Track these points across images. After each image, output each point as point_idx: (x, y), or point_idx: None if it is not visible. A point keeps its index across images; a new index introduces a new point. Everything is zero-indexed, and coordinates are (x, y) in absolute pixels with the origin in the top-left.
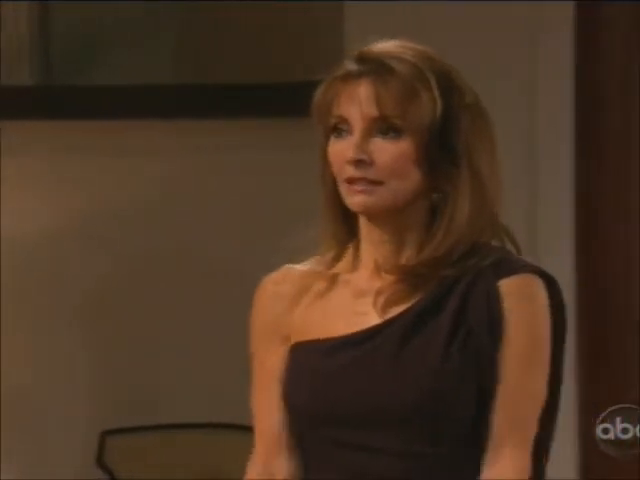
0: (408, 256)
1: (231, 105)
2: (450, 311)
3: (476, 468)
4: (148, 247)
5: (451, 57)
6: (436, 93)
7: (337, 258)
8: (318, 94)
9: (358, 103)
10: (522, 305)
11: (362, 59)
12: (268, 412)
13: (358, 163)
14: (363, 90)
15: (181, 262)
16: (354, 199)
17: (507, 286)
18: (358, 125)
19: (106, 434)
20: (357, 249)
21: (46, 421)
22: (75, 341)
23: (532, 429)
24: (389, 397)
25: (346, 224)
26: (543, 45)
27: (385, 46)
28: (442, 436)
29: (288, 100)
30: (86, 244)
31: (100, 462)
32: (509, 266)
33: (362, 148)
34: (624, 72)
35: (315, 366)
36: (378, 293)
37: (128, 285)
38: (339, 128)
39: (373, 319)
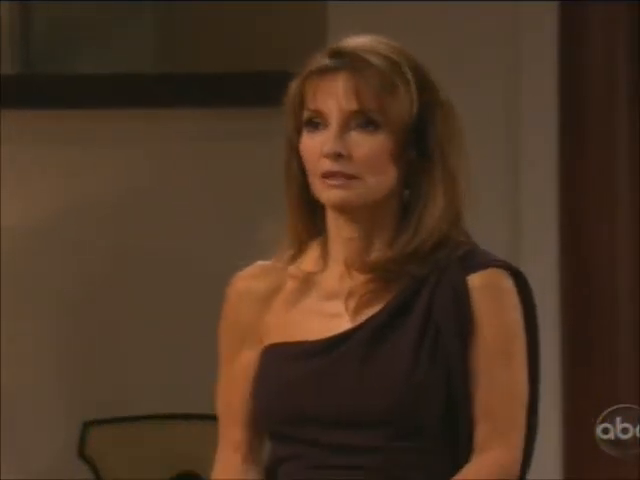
0: (378, 253)
1: (212, 94)
2: (418, 312)
3: (447, 465)
4: (124, 239)
5: (435, 56)
6: (413, 88)
7: (299, 254)
8: (292, 88)
9: (336, 97)
10: (492, 301)
11: (337, 54)
12: (237, 402)
13: (336, 157)
14: (341, 84)
15: (162, 252)
16: (330, 193)
17: (475, 282)
18: (335, 119)
19: (88, 425)
20: (324, 246)
21: (26, 413)
22: (55, 333)
23: (518, 426)
24: (357, 403)
25: (311, 220)
26: (527, 45)
27: (360, 41)
28: (414, 435)
29: (269, 89)
30: (64, 236)
31: (82, 453)
32: (476, 261)
33: (340, 141)
34: (609, 73)
35: (284, 370)
36: (349, 295)
37: (106, 278)
38: (313, 122)
39: (345, 322)
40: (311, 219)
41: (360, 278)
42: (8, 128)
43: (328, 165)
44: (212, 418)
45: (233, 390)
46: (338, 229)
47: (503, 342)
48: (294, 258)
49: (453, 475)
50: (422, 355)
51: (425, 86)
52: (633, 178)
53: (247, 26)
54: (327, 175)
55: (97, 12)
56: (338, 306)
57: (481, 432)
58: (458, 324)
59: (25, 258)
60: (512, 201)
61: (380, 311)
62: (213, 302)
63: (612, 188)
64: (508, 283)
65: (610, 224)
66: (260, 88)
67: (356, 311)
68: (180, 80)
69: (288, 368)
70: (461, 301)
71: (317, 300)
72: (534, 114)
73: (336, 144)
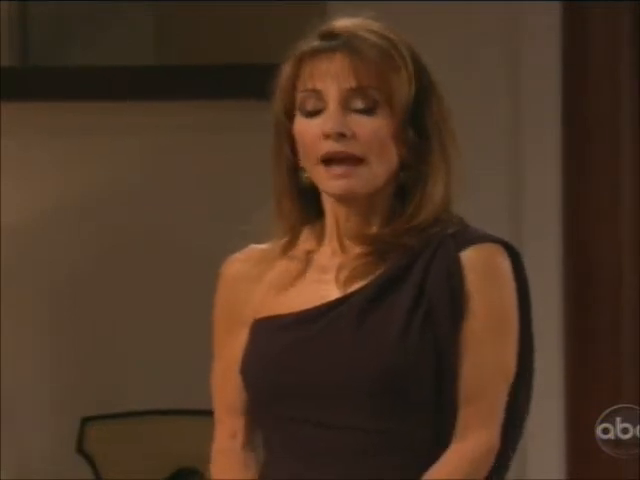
0: (374, 228)
1: (211, 86)
2: (410, 285)
3: (437, 443)
4: (122, 232)
5: (435, 56)
6: (411, 67)
7: (295, 238)
8: (283, 71)
9: (335, 76)
10: (485, 276)
11: (329, 35)
12: (232, 391)
13: (338, 137)
14: (338, 63)
15: (159, 245)
16: (333, 184)
17: (468, 257)
18: (334, 98)
19: (86, 420)
20: (320, 228)
21: (25, 408)
22: (54, 328)
23: (501, 403)
24: (346, 371)
25: (303, 203)
26: (529, 45)
27: (351, 22)
28: (400, 411)
29: (267, 82)
30: (63, 229)
31: (80, 449)
32: (470, 236)
33: (342, 121)
34: (611, 72)
35: (272, 341)
36: (340, 268)
37: (104, 273)
38: (309, 105)
39: (334, 294)
40: (303, 204)
41: (352, 254)
42: (7, 120)
43: (330, 145)
44: (212, 414)
45: (228, 377)
46: (334, 209)
47: (495, 320)
48: (290, 244)
49: (436, 458)
50: (414, 325)
51: (420, 66)
52: (636, 176)
53: (247, 23)
54: (329, 158)
55: (95, 4)
56: (328, 280)
57: (464, 414)
58: (451, 300)
59: (24, 252)
60: (514, 200)
61: (372, 282)
62: (213, 297)
63: (615, 186)
64: (502, 259)
65: (613, 222)
66: (258, 80)
67: (346, 283)
68: (179, 72)
69: (275, 339)
70: (454, 276)
71: (307, 276)
72: (536, 113)
73: (338, 123)
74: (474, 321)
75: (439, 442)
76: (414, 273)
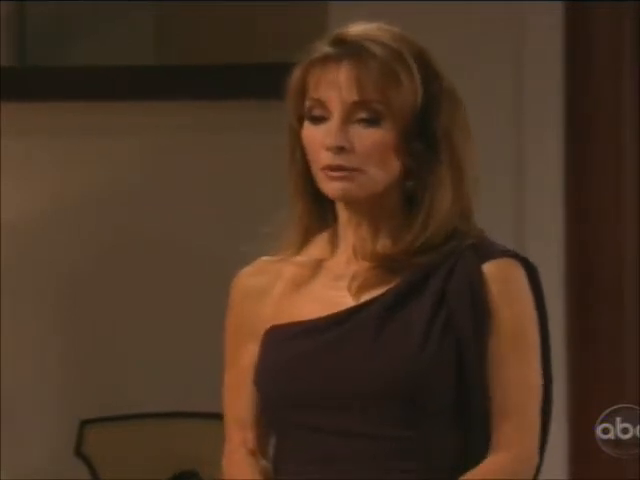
0: (385, 242)
1: (212, 86)
2: (429, 295)
3: (453, 451)
4: (122, 232)
5: (437, 57)
6: (417, 78)
7: (305, 243)
8: (294, 76)
9: (338, 87)
10: (507, 292)
11: (340, 42)
12: (242, 405)
13: (338, 150)
14: (343, 74)
15: (161, 247)
16: (332, 186)
17: (490, 271)
18: (337, 110)
19: (85, 423)
20: (335, 233)
21: (25, 411)
22: (54, 329)
23: (535, 421)
24: (362, 380)
25: (316, 208)
26: (531, 45)
27: (363, 29)
28: (418, 419)
29: (270, 81)
30: (63, 229)
31: (79, 451)
32: (489, 250)
33: (342, 135)
34: (614, 72)
35: (284, 350)
36: (354, 277)
37: (105, 273)
38: (315, 116)
39: (348, 303)
40: (317, 207)
41: (366, 263)
42: (7, 120)
43: (330, 158)
44: (212, 416)
45: (238, 391)
46: (347, 216)
47: (519, 335)
48: (300, 248)
49: (459, 467)
50: (433, 334)
51: (430, 75)
52: (638, 176)
53: (247, 23)
54: (329, 168)
55: (95, 4)
56: (341, 288)
57: (499, 429)
58: (473, 305)
59: (24, 252)
60: (516, 200)
61: (386, 292)
62: (214, 298)
63: (618, 186)
64: (521, 274)
65: (615, 223)
66: (258, 80)
67: (359, 292)
68: (179, 72)
69: (287, 348)
70: (477, 284)
71: (321, 284)
72: (538, 113)
73: (338, 138)
74: (499, 338)
75: (457, 448)
76: (433, 282)
